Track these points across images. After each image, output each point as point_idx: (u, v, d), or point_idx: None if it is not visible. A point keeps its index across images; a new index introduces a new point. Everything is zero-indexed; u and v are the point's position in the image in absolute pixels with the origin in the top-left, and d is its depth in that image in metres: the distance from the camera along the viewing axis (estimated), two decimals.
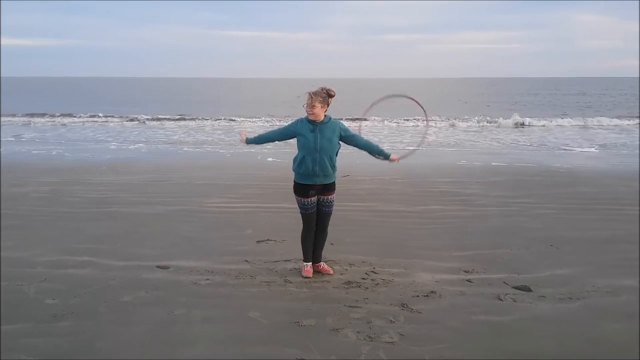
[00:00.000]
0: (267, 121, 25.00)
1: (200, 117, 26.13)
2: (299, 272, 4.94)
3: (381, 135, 19.04)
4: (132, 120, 25.48)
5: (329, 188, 4.75)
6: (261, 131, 5.08)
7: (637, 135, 18.89)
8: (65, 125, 23.83)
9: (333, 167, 4.69)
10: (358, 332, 3.74)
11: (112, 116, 27.05)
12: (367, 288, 4.56)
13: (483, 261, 5.28)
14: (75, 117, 26.60)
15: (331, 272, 4.91)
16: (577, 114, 28.96)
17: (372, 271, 4.97)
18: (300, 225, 4.90)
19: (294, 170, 4.71)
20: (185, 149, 15.47)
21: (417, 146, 5.03)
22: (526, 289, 4.53)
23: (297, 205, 4.82)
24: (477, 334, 3.74)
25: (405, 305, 4.19)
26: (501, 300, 4.32)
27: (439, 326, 3.85)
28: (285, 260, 5.28)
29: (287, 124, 4.79)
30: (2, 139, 17.39)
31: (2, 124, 22.84)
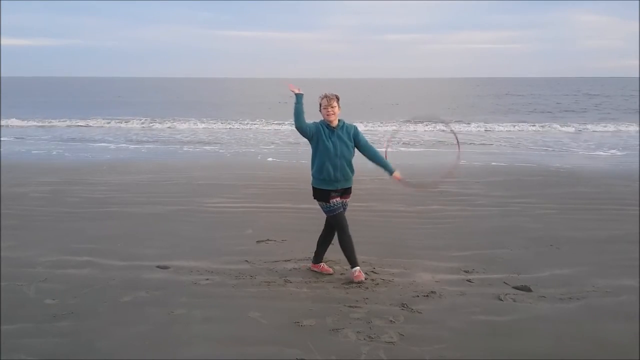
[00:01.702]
0: (267, 122, 24.97)
1: (198, 119, 26.10)
2: (299, 272, 4.94)
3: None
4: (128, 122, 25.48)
5: (348, 191, 4.77)
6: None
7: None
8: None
9: (352, 170, 4.69)
10: (358, 332, 3.74)
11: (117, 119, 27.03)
12: (367, 288, 4.56)
13: (483, 261, 5.28)
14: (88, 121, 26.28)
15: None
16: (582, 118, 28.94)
17: (372, 271, 4.96)
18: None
19: (313, 175, 4.68)
20: (185, 149, 15.48)
21: (442, 177, 4.87)
22: (526, 289, 4.53)
23: (320, 210, 4.76)
24: (477, 334, 3.74)
25: (405, 305, 4.18)
26: (501, 300, 4.32)
27: (439, 326, 3.84)
28: (285, 260, 5.28)
29: (310, 123, 4.64)
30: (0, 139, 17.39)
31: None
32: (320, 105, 4.58)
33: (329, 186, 4.63)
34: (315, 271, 4.94)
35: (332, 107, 4.52)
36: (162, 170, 11.03)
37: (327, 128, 4.58)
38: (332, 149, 4.53)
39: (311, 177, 4.72)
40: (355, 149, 4.69)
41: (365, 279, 4.74)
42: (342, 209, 4.72)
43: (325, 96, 4.56)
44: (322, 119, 4.63)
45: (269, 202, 7.90)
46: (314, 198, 4.76)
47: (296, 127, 4.59)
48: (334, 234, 4.86)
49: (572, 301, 4.31)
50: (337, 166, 4.56)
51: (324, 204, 4.70)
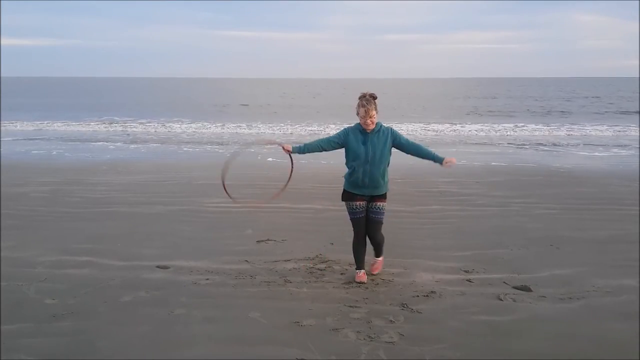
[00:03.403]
0: (266, 123, 24.95)
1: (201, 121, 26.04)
2: (299, 272, 4.94)
3: None
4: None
5: (380, 197, 4.62)
6: (305, 140, 4.72)
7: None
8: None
9: (384, 178, 4.54)
10: (358, 332, 3.74)
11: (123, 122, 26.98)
12: (367, 288, 4.56)
13: (483, 261, 5.27)
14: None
15: (374, 272, 4.86)
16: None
17: None
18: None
19: (345, 177, 4.62)
20: (185, 149, 15.48)
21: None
22: (526, 289, 4.53)
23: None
24: (477, 334, 3.74)
25: (405, 305, 4.18)
26: (501, 300, 4.32)
27: (439, 326, 3.84)
28: (285, 260, 5.27)
29: (335, 134, 4.54)
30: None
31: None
32: (359, 106, 4.35)
33: (355, 190, 4.55)
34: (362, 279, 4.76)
35: (371, 114, 4.29)
36: (162, 170, 11.03)
37: (361, 133, 4.41)
38: (363, 154, 4.38)
39: (344, 179, 4.65)
40: (398, 152, 4.52)
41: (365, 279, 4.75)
42: (363, 215, 4.62)
43: (364, 96, 4.33)
44: (359, 121, 4.43)
45: (269, 202, 7.89)
46: (342, 199, 4.70)
47: (327, 151, 4.51)
48: (363, 235, 4.75)
49: (572, 301, 4.31)
50: (367, 172, 4.43)
51: (348, 203, 4.63)
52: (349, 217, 4.72)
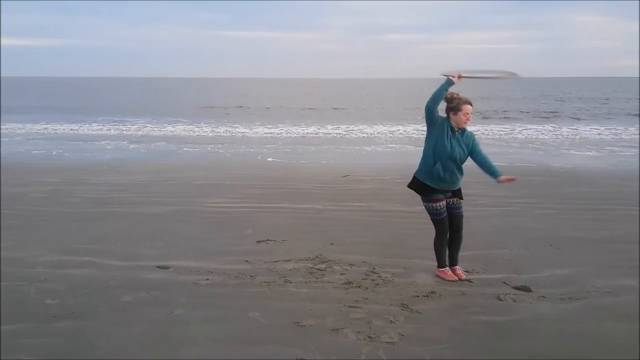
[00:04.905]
0: (270, 127, 24.93)
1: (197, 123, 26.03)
2: (299, 272, 4.94)
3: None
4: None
5: (457, 192, 4.87)
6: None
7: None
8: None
9: (462, 173, 4.78)
10: (358, 332, 3.74)
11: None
12: (367, 288, 4.56)
13: (483, 261, 5.28)
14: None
15: (455, 278, 4.81)
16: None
17: (372, 271, 4.96)
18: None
19: (419, 166, 4.69)
20: (185, 149, 15.48)
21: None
22: (526, 289, 4.53)
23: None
24: (477, 334, 3.74)
25: (405, 305, 4.18)
26: (501, 300, 4.32)
27: (439, 326, 3.84)
28: (285, 260, 5.27)
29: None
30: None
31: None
32: (460, 108, 4.51)
33: (432, 183, 4.67)
34: (441, 277, 4.82)
35: (471, 114, 4.56)
36: (162, 170, 11.03)
37: (451, 129, 4.59)
38: (449, 149, 4.57)
39: (417, 168, 4.72)
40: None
41: (365, 279, 4.75)
42: (446, 214, 4.79)
43: (469, 102, 4.54)
44: (450, 117, 4.58)
45: (269, 202, 7.90)
46: (408, 185, 4.78)
47: (429, 107, 4.52)
48: (446, 234, 4.86)
49: (572, 301, 4.31)
50: (448, 168, 4.63)
51: (428, 204, 4.75)
52: (431, 218, 4.84)
